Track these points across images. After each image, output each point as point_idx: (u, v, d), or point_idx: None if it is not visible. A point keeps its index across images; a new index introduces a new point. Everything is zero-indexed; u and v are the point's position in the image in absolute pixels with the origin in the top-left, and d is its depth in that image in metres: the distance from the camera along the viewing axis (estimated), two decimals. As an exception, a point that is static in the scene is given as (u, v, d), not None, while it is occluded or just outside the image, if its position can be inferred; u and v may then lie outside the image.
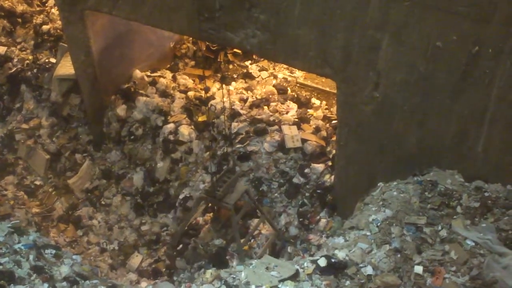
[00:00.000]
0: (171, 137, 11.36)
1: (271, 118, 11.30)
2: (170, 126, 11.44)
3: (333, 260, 6.64)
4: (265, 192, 10.47)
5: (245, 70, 12.91)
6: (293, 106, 11.77)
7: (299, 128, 10.99)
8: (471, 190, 7.48)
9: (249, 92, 12.27)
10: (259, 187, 10.49)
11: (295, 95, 12.08)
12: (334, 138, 10.53)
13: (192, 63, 13.23)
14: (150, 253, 11.09)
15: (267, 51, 8.78)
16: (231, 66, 13.08)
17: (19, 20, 13.60)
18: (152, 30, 11.38)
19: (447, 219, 7.05)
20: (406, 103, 7.89)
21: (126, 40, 11.51)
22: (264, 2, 8.23)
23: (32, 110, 12.78)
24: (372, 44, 7.68)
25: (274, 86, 12.34)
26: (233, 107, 11.47)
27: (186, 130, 11.29)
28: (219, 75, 12.78)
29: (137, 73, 12.17)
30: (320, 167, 10.39)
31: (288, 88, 12.35)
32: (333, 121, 10.97)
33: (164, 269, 10.64)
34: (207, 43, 12.81)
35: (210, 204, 10.25)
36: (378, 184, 8.12)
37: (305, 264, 6.72)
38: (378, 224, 7.11)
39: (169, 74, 12.70)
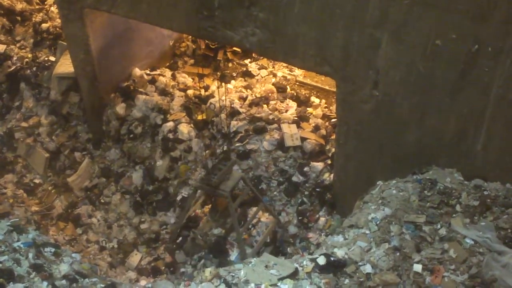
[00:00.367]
0: (171, 136, 11.36)
1: (271, 117, 11.30)
2: (170, 124, 11.44)
3: (332, 259, 6.64)
4: (265, 190, 10.48)
5: (244, 69, 12.91)
6: (293, 105, 11.77)
7: (298, 126, 11.00)
8: (470, 188, 7.48)
9: (248, 90, 12.28)
10: (258, 186, 10.48)
11: (295, 94, 12.09)
12: (333, 137, 10.54)
13: (192, 61, 13.24)
14: (149, 251, 11.09)
15: (267, 50, 8.78)
16: (230, 65, 13.08)
17: (19, 18, 13.60)
18: (151, 28, 11.38)
19: (446, 217, 7.05)
20: (405, 101, 7.89)
21: (125, 38, 11.50)
22: (263, 0, 8.23)
23: (32, 108, 12.78)
24: (371, 43, 7.68)
25: (273, 84, 12.35)
26: (232, 105, 11.47)
27: (185, 129, 11.29)
28: (218, 73, 12.79)
29: (137, 71, 12.16)
30: (319, 165, 10.40)
31: (288, 87, 12.35)
32: (333, 120, 10.98)
33: (163, 267, 10.63)
34: (207, 41, 12.83)
35: (206, 194, 10.22)
36: (377, 183, 8.12)
37: (304, 263, 6.72)
38: (377, 222, 7.11)
39: (168, 73, 12.70)
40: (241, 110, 11.50)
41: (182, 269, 10.06)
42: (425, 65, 7.45)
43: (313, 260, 6.68)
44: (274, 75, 12.72)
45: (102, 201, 11.82)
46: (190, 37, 13.17)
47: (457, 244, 6.65)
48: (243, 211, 10.19)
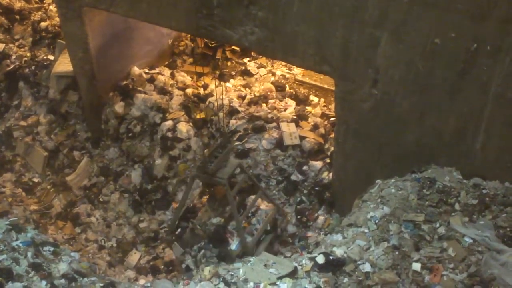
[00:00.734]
0: (169, 134, 11.36)
1: (269, 115, 11.30)
2: (168, 123, 11.44)
3: (331, 257, 6.65)
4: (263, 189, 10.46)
5: (243, 67, 12.91)
6: (291, 103, 11.77)
7: (297, 125, 11.00)
8: (469, 187, 7.49)
9: (247, 89, 12.27)
10: (257, 184, 10.48)
11: (293, 92, 12.08)
12: (332, 136, 10.54)
13: (190, 60, 13.23)
14: (148, 250, 11.09)
15: (266, 48, 8.77)
16: (229, 63, 13.08)
17: (17, 17, 13.58)
18: (150, 27, 11.37)
19: (445, 216, 7.05)
20: (404, 100, 7.89)
21: (124, 37, 11.50)
22: (262, -1, 8.24)
23: (30, 107, 12.77)
24: (371, 42, 7.68)
25: (272, 83, 12.34)
26: (231, 104, 11.46)
27: (184, 127, 11.29)
28: (217, 72, 12.78)
29: (135, 70, 12.16)
30: (318, 164, 10.40)
31: (286, 85, 12.35)
32: (332, 119, 10.98)
33: (162, 266, 10.63)
34: (205, 40, 12.81)
35: (204, 183, 10.16)
36: (376, 181, 8.12)
37: (303, 261, 6.74)
38: (376, 221, 7.11)
39: (167, 71, 12.69)
40: (240, 109, 11.50)
41: (184, 262, 9.94)
42: (425, 64, 7.45)
43: (312, 259, 6.69)
44: (273, 74, 12.71)
45: (101, 200, 11.82)
46: (189, 36, 13.17)
47: (456, 243, 6.66)
48: (241, 199, 10.09)
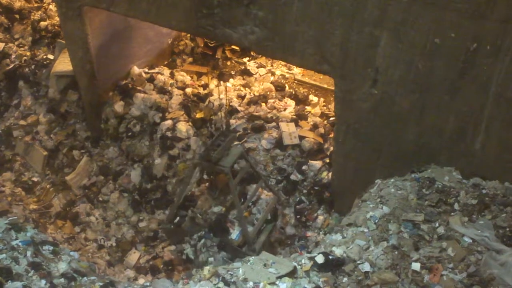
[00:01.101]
0: (169, 134, 11.35)
1: (269, 115, 11.31)
2: (168, 122, 11.44)
3: (330, 257, 6.65)
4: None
5: (243, 67, 12.92)
6: (291, 103, 11.79)
7: (296, 125, 11.01)
8: (469, 187, 7.49)
9: (247, 89, 12.28)
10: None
11: (293, 92, 12.09)
12: (331, 135, 10.54)
13: (190, 59, 13.24)
14: (147, 249, 11.09)
15: (265, 48, 8.77)
16: (229, 63, 13.08)
17: (17, 16, 13.59)
18: (150, 27, 11.37)
19: (444, 216, 7.06)
20: (404, 100, 7.89)
21: (124, 36, 11.50)
22: (262, -1, 8.24)
23: (30, 107, 12.77)
24: (370, 41, 7.68)
25: (272, 83, 12.35)
26: (231, 103, 11.46)
27: (183, 127, 11.29)
28: (217, 71, 12.78)
29: (135, 69, 12.16)
30: (317, 164, 10.40)
31: (286, 85, 12.36)
32: (331, 118, 10.98)
33: (161, 266, 10.63)
34: (205, 39, 12.81)
35: (202, 172, 10.04)
36: (376, 181, 8.13)
37: (303, 261, 6.74)
38: (376, 221, 7.12)
39: (167, 71, 12.69)
40: (239, 108, 11.50)
41: (185, 248, 9.84)
42: (424, 64, 7.45)
43: (312, 259, 6.70)
44: (273, 74, 12.72)
45: (100, 199, 11.82)
46: (189, 35, 13.17)
47: (455, 243, 6.66)
48: (242, 188, 10.05)
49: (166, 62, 13.02)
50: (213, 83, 12.20)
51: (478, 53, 7.02)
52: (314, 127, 11.00)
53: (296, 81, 12.45)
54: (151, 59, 12.60)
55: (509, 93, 7.09)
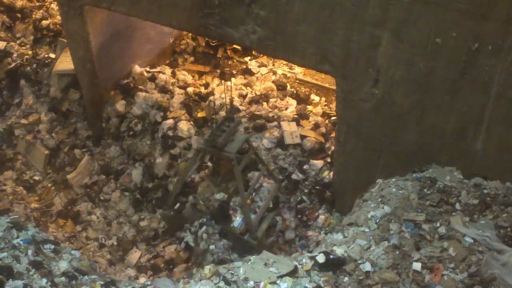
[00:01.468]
0: (170, 133, 11.35)
1: (270, 114, 11.31)
2: (169, 121, 11.44)
3: (331, 257, 6.65)
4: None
5: (244, 66, 12.92)
6: (292, 102, 11.78)
7: (298, 124, 11.01)
8: (470, 187, 7.49)
9: (248, 88, 12.28)
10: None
11: (295, 91, 12.09)
12: (333, 135, 10.55)
13: (192, 59, 13.24)
14: (148, 248, 11.09)
15: (267, 47, 8.77)
16: (230, 62, 13.08)
17: (19, 15, 13.59)
18: (151, 26, 11.37)
19: (446, 216, 7.06)
20: (405, 99, 7.89)
21: (126, 35, 11.50)
22: (264, -2, 8.24)
23: (31, 105, 12.78)
24: (371, 41, 7.68)
25: (273, 82, 12.35)
26: (232, 102, 11.45)
27: (185, 126, 11.29)
28: (218, 71, 12.78)
29: (137, 68, 12.17)
30: (319, 163, 10.40)
31: (288, 84, 12.36)
32: (332, 118, 10.98)
33: (162, 265, 10.63)
34: (207, 39, 12.81)
35: (202, 158, 9.87)
36: (377, 181, 8.12)
37: (304, 260, 6.74)
38: (377, 220, 7.12)
39: (168, 70, 12.70)
40: (241, 107, 11.50)
41: (183, 234, 9.69)
42: (425, 64, 7.45)
43: (313, 258, 6.70)
44: (274, 73, 12.72)
45: (101, 198, 11.83)
46: (190, 34, 13.17)
47: (456, 243, 6.66)
48: (243, 175, 9.79)
49: (167, 61, 13.02)
50: (214, 82, 12.20)
51: (480, 53, 7.02)
52: (316, 126, 11.00)
53: (297, 81, 12.45)
54: (153, 58, 12.60)
55: (510, 93, 7.10)
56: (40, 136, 12.51)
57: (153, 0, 9.25)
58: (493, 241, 6.60)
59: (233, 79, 12.52)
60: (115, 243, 11.34)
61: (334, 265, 6.57)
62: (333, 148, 10.24)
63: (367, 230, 7.05)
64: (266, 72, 12.77)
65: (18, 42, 13.38)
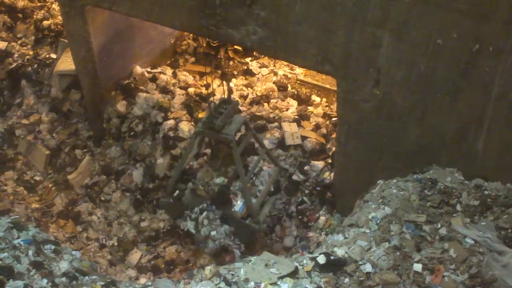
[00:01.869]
0: (171, 134, 11.35)
1: (271, 115, 11.31)
2: (170, 122, 11.44)
3: (332, 258, 6.65)
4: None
5: (245, 67, 12.93)
6: (293, 103, 11.78)
7: (299, 125, 11.00)
8: (471, 188, 7.48)
9: (249, 88, 12.28)
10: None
11: (295, 92, 12.09)
12: (334, 136, 10.54)
13: (193, 59, 13.25)
14: (149, 249, 11.09)
15: (268, 48, 8.77)
16: (231, 63, 13.08)
17: (20, 15, 13.59)
18: (152, 26, 11.37)
19: (446, 217, 7.05)
20: (406, 100, 7.89)
21: (127, 36, 11.50)
22: (265, -1, 8.24)
23: (32, 106, 12.79)
24: (372, 42, 7.68)
25: (274, 83, 12.35)
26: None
27: (186, 127, 11.29)
28: (219, 71, 12.79)
29: (138, 69, 12.17)
30: (319, 164, 10.39)
31: (288, 85, 12.36)
32: (333, 119, 10.98)
33: (163, 265, 10.63)
34: (208, 39, 12.81)
35: (200, 144, 9.77)
36: (378, 182, 8.12)
37: (304, 261, 6.73)
38: (378, 221, 7.12)
39: (169, 70, 12.70)
40: (242, 108, 11.50)
41: (183, 223, 9.52)
42: (426, 64, 7.45)
43: (313, 259, 6.69)
44: (275, 74, 12.72)
45: (102, 198, 11.82)
46: (191, 35, 13.18)
47: (457, 244, 6.65)
48: (243, 160, 9.61)
49: (168, 62, 13.02)
50: (215, 83, 12.20)
51: (481, 54, 7.02)
52: (316, 127, 11.00)
53: (298, 81, 12.46)
54: (154, 58, 12.61)
55: (511, 94, 7.09)
56: (41, 136, 12.52)
57: (154, 1, 9.26)
58: (494, 243, 6.60)
59: (234, 79, 12.53)
60: (116, 243, 11.33)
61: (334, 266, 6.57)
62: (334, 149, 10.23)
63: (367, 231, 7.05)
64: (267, 73, 12.77)
65: (19, 42, 13.38)
